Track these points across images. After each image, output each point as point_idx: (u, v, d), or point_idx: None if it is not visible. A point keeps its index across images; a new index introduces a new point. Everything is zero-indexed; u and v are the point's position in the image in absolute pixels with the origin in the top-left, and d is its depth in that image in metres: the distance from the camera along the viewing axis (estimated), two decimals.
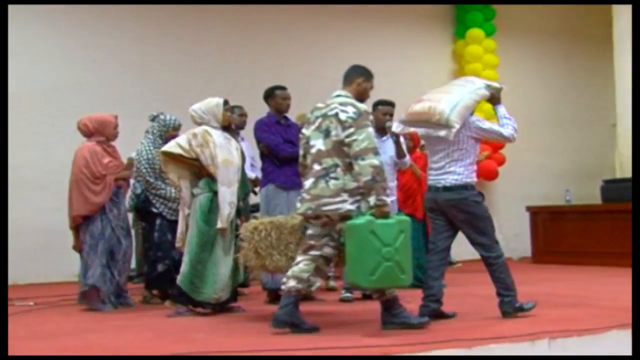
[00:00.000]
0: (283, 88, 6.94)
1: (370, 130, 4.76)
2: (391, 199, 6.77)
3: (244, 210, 6.38)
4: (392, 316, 4.80)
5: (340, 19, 11.71)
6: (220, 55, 10.66)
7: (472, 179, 5.27)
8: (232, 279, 5.86)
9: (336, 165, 4.76)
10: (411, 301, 5.22)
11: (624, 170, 10.85)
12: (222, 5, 10.59)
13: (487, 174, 11.31)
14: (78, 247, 6.44)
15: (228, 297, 5.89)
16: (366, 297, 6.63)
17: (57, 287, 8.20)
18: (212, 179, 5.84)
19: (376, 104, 6.80)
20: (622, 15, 11.14)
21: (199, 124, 5.99)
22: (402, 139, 6.84)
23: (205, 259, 5.74)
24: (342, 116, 4.75)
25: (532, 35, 13.38)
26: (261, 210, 6.84)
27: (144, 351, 4.00)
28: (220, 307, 5.82)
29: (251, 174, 7.26)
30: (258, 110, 7.33)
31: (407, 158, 7.06)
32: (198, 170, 5.93)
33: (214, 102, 6.05)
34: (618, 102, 11.04)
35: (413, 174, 7.81)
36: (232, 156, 5.94)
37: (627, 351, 4.33)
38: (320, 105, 5.02)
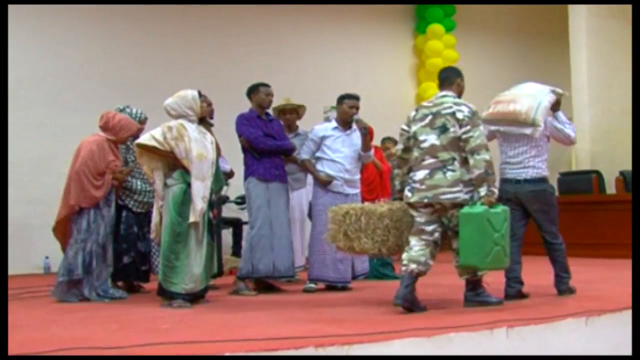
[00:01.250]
0: (267, 85, 6.94)
1: (482, 128, 5.22)
2: (355, 191, 6.79)
3: (217, 204, 6.31)
4: (475, 295, 5.29)
5: (306, 16, 11.72)
6: (185, 51, 10.61)
7: (547, 172, 5.80)
8: (205, 272, 5.82)
9: (453, 159, 5.14)
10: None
11: (580, 163, 11.02)
12: (188, 4, 10.55)
13: None
14: (60, 235, 6.38)
15: (202, 289, 5.84)
16: (330, 288, 6.64)
17: (20, 280, 8.09)
18: (186, 171, 5.76)
19: (342, 98, 6.82)
20: (578, 13, 11.30)
21: (176, 118, 5.92)
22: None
23: (178, 251, 5.67)
24: (459, 115, 5.14)
25: (491, 31, 13.52)
26: (246, 202, 6.87)
27: (108, 342, 3.95)
28: (192, 298, 5.75)
29: (225, 167, 7.21)
30: (223, 103, 7.27)
31: (372, 152, 7.07)
32: (172, 162, 5.84)
33: (190, 95, 5.97)
34: (574, 98, 11.17)
35: (375, 168, 7.81)
36: (207, 150, 5.87)
37: (582, 338, 4.39)
38: (426, 103, 5.40)
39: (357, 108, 6.78)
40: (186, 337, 4.07)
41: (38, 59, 9.73)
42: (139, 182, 6.71)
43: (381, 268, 7.57)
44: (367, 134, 6.77)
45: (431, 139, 5.20)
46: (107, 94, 9.30)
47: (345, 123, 6.78)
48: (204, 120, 6.25)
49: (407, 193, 5.32)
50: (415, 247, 5.21)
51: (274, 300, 6.10)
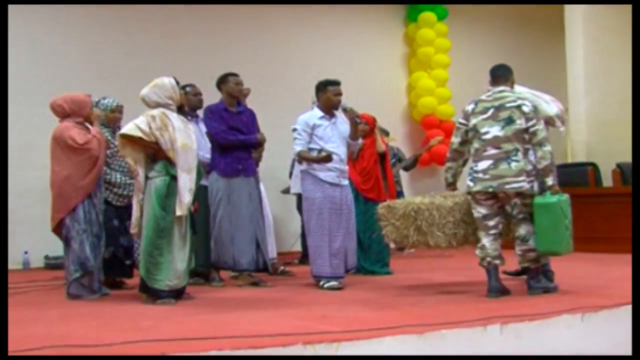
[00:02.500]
0: (236, 75, 6.89)
1: (543, 121, 5.62)
2: (347, 182, 6.72)
3: (196, 196, 6.26)
4: (537, 282, 5.63)
5: (295, 4, 11.58)
6: (170, 38, 10.54)
7: None
8: (187, 267, 5.77)
9: (517, 150, 5.48)
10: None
11: (576, 155, 11.02)
12: None
13: (440, 159, 11.39)
14: (58, 231, 6.26)
15: (184, 285, 5.78)
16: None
17: None
18: (169, 162, 5.65)
19: (324, 85, 6.69)
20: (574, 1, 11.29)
21: (155, 108, 5.79)
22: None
23: (162, 246, 5.58)
24: (525, 109, 5.53)
25: (484, 19, 13.48)
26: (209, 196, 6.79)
27: (87, 340, 3.92)
28: (175, 295, 5.69)
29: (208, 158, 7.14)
30: (209, 92, 7.20)
31: (360, 140, 7.02)
32: (153, 154, 5.73)
33: (168, 83, 5.84)
34: (570, 88, 11.17)
35: (371, 157, 7.73)
36: (191, 140, 5.77)
37: (578, 334, 4.38)
38: (485, 97, 5.71)
39: (341, 94, 6.69)
40: (169, 335, 4.03)
41: (14, 50, 9.64)
42: (118, 175, 6.63)
43: (378, 266, 7.49)
44: (358, 123, 6.71)
45: (494, 130, 5.53)
46: (84, 83, 9.17)
47: (330, 110, 6.68)
48: (182, 109, 6.18)
49: (469, 183, 5.63)
50: (487, 244, 5.58)
51: (262, 296, 6.07)
